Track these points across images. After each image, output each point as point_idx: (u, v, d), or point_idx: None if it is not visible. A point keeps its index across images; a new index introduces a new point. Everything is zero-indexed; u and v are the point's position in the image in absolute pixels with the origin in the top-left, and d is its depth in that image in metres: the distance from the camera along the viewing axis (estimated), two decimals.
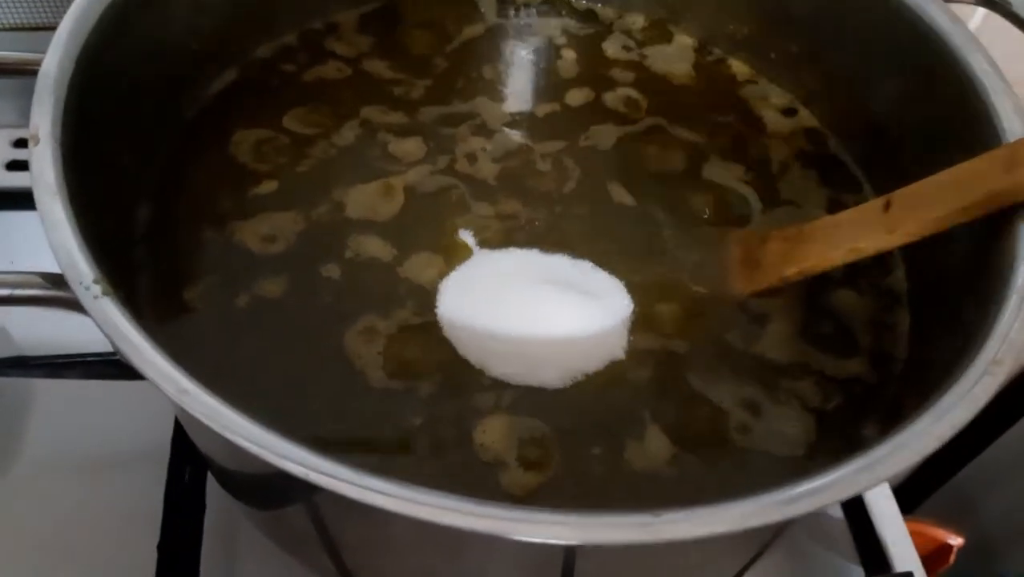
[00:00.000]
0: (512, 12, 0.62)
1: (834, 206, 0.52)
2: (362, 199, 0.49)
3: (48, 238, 0.33)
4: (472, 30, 0.60)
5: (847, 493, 0.30)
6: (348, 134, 0.52)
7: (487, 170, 0.51)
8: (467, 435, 0.41)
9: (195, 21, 0.50)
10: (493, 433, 0.41)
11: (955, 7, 0.48)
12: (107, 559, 0.49)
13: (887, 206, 0.43)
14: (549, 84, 0.58)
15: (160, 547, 0.48)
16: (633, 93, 0.58)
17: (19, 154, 0.68)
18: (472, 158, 0.52)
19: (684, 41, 0.62)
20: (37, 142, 0.36)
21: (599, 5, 0.63)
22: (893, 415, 0.41)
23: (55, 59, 0.39)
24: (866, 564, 0.53)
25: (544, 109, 0.56)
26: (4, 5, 0.63)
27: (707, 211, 0.51)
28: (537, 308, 0.45)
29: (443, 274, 0.46)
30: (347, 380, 0.42)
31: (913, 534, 0.57)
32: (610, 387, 0.43)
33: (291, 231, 0.48)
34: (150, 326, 0.34)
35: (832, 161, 0.55)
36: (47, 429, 0.54)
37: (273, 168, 0.50)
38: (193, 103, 0.52)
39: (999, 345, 0.34)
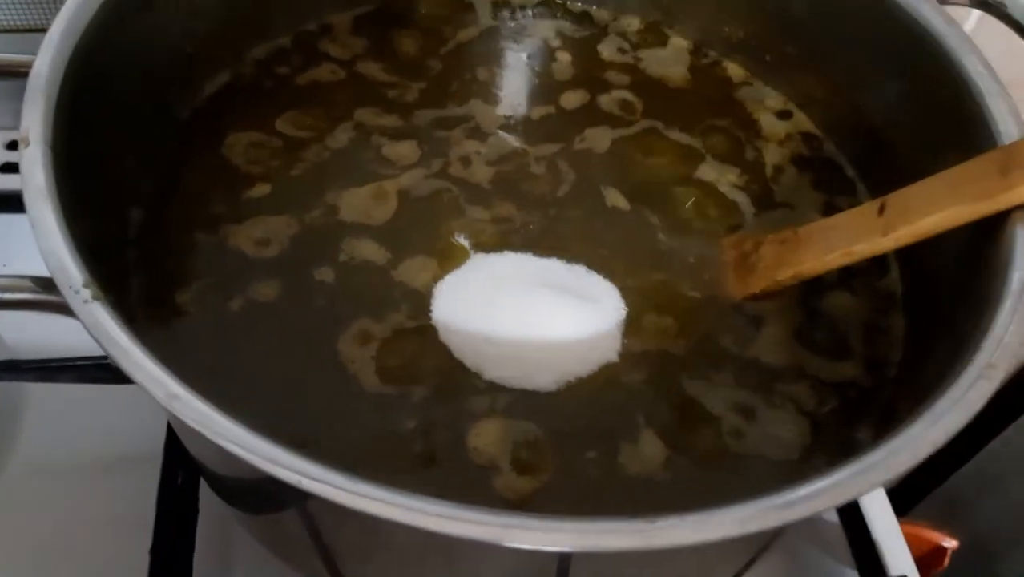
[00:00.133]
0: (507, 14, 0.62)
1: (829, 209, 0.52)
2: (356, 202, 0.49)
3: (37, 242, 0.33)
4: (467, 33, 0.60)
5: (843, 499, 0.30)
6: (342, 137, 0.52)
7: (481, 173, 0.51)
8: (460, 439, 0.40)
9: (188, 23, 0.50)
10: (487, 437, 0.40)
11: (950, 9, 0.48)
12: (100, 563, 0.49)
13: (882, 209, 0.43)
14: (544, 87, 0.58)
15: (153, 551, 0.47)
16: (628, 96, 0.57)
17: (13, 156, 0.68)
18: (466, 161, 0.52)
19: (679, 43, 0.62)
20: (28, 144, 0.36)
21: (594, 7, 0.63)
22: (888, 419, 0.41)
23: (47, 60, 0.39)
24: (861, 567, 0.53)
25: (539, 112, 0.56)
26: None
27: (701, 214, 0.51)
28: (531, 311, 0.45)
29: (437, 278, 0.46)
30: (340, 384, 0.42)
31: (908, 537, 0.57)
32: (604, 390, 0.43)
33: (284, 234, 0.47)
34: (142, 330, 0.34)
35: (827, 164, 0.55)
36: (40, 433, 0.54)
37: (266, 171, 0.50)
38: (186, 105, 0.52)
39: (994, 349, 0.34)
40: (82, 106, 0.40)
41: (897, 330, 0.47)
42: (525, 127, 0.55)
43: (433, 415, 0.41)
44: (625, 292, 0.46)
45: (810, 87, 0.58)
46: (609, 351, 0.44)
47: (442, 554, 0.35)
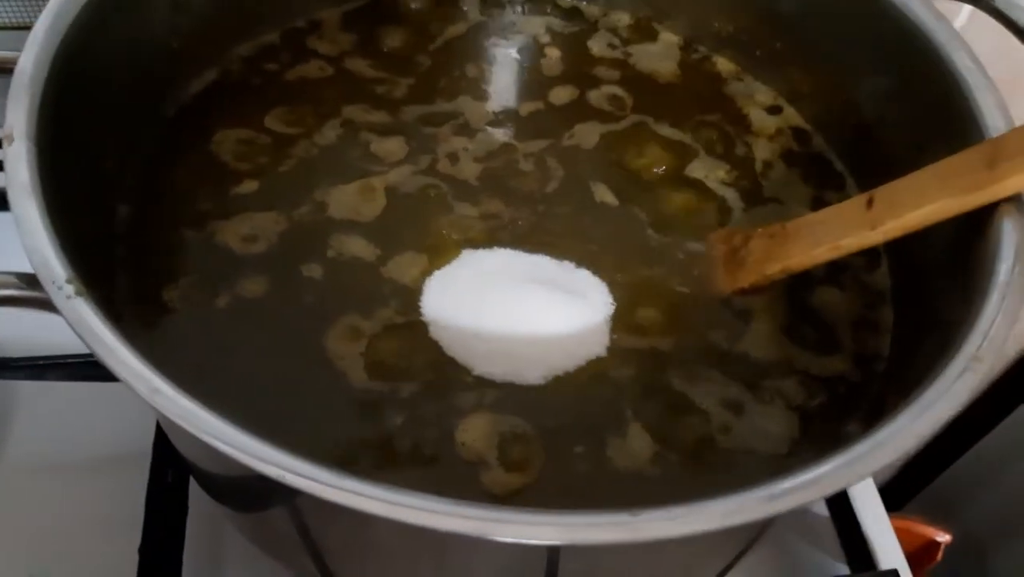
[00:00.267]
0: (496, 10, 0.61)
1: (818, 204, 0.52)
2: (344, 199, 0.49)
3: (21, 238, 0.33)
4: (455, 28, 0.60)
5: (827, 491, 0.30)
6: (330, 133, 0.52)
7: (469, 170, 0.51)
8: (448, 435, 0.40)
9: (175, 19, 0.50)
10: (475, 432, 0.40)
11: (939, 4, 0.48)
12: (89, 562, 0.49)
13: (870, 203, 0.43)
14: (533, 82, 0.57)
15: (141, 550, 0.47)
16: (618, 91, 0.57)
17: None
18: (454, 158, 0.52)
19: (669, 39, 0.61)
20: (11, 141, 0.36)
21: (584, 3, 0.63)
22: (877, 413, 0.41)
23: (31, 57, 0.39)
24: (851, 562, 0.53)
25: (528, 108, 0.56)
26: None
27: (690, 209, 0.51)
28: (520, 307, 0.45)
29: (426, 274, 0.46)
30: (328, 381, 0.42)
31: (901, 531, 0.57)
32: (592, 385, 0.43)
33: (272, 231, 0.47)
34: (128, 327, 0.34)
35: (817, 158, 0.55)
36: (28, 432, 0.54)
37: (254, 168, 0.50)
38: (174, 102, 0.52)
39: (980, 341, 0.34)
40: (67, 103, 0.39)
41: (886, 324, 0.47)
42: (513, 123, 0.54)
43: (421, 411, 0.41)
44: (614, 287, 0.46)
45: (800, 82, 0.57)
46: (597, 346, 0.44)
47: (430, 549, 0.35)
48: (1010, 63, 0.49)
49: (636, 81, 0.58)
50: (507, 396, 0.42)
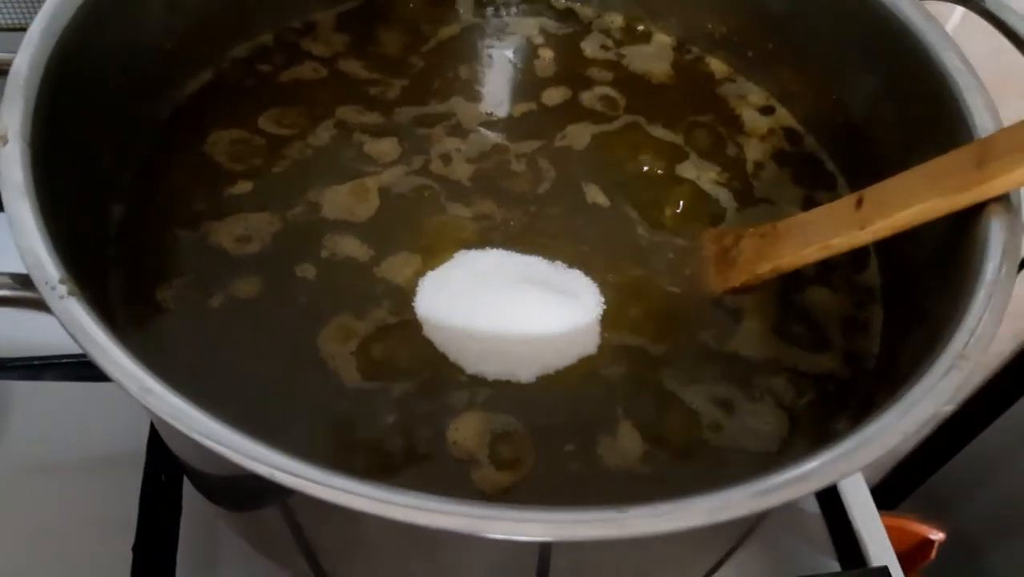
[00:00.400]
0: (490, 11, 0.62)
1: (809, 204, 0.53)
2: (338, 199, 0.49)
3: (15, 239, 0.33)
4: (449, 30, 0.60)
5: (813, 487, 0.30)
6: (323, 135, 0.52)
7: (461, 171, 0.51)
8: (440, 433, 0.41)
9: (170, 21, 0.50)
10: (466, 430, 0.41)
11: (930, 6, 0.48)
12: (83, 561, 0.49)
13: (859, 203, 0.43)
14: (526, 83, 0.58)
15: (135, 549, 0.47)
16: (611, 92, 0.58)
17: None
18: (447, 159, 0.52)
19: (663, 40, 0.62)
20: (6, 142, 0.36)
21: (578, 4, 0.63)
22: (866, 410, 0.41)
23: (26, 58, 0.39)
24: (842, 559, 0.53)
25: (520, 109, 0.56)
26: None
27: (682, 210, 0.51)
28: (513, 306, 0.45)
29: (419, 274, 0.46)
30: (321, 380, 0.42)
31: (895, 529, 0.57)
32: (583, 384, 0.43)
33: (266, 231, 0.47)
34: (122, 327, 0.34)
35: (808, 159, 0.56)
36: (23, 432, 0.54)
37: (248, 168, 0.50)
38: (168, 103, 0.52)
39: (966, 339, 0.34)
40: (62, 104, 0.40)
41: (875, 323, 0.47)
42: (506, 124, 0.55)
43: (413, 410, 0.41)
44: (605, 287, 0.46)
45: (792, 82, 0.58)
46: (588, 345, 0.44)
47: (421, 547, 0.35)
48: (1000, 65, 0.49)
49: (629, 82, 0.58)
50: (499, 395, 0.42)
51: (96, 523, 0.50)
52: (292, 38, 0.57)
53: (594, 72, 0.59)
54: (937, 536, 0.73)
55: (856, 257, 0.49)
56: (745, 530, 0.41)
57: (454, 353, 0.44)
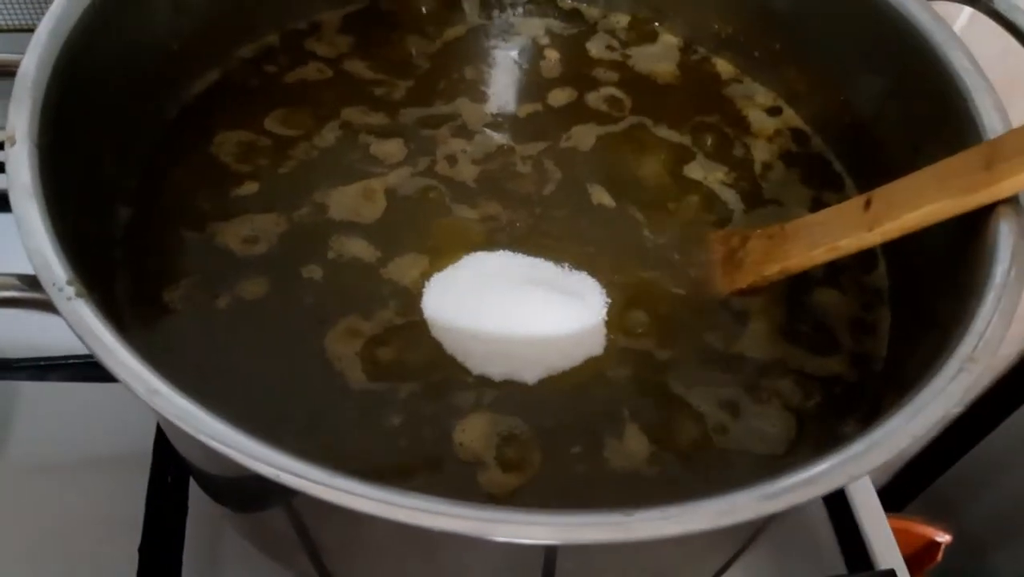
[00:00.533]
0: (496, 12, 0.62)
1: (817, 205, 0.52)
2: (344, 200, 0.49)
3: (22, 240, 0.33)
4: (454, 31, 0.60)
5: (820, 491, 0.30)
6: (329, 136, 0.52)
7: (467, 172, 0.51)
8: (446, 435, 0.41)
9: (176, 22, 0.50)
10: (473, 432, 0.41)
11: (940, 6, 0.48)
12: (89, 562, 0.49)
13: (867, 204, 0.43)
14: (531, 84, 0.58)
15: (141, 550, 0.47)
16: (617, 93, 0.57)
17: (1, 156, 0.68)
18: (452, 160, 0.52)
19: (669, 40, 0.62)
20: (13, 143, 0.36)
21: (584, 4, 0.63)
22: (874, 413, 0.41)
23: (34, 60, 0.39)
24: (849, 562, 0.53)
25: (526, 110, 0.56)
26: None
27: (688, 211, 0.51)
28: (519, 308, 0.45)
29: (426, 275, 0.46)
30: (328, 381, 0.42)
31: (901, 532, 0.57)
32: (589, 386, 0.43)
33: (273, 232, 0.47)
34: (129, 328, 0.34)
35: (816, 159, 0.55)
36: (30, 431, 0.54)
37: (255, 169, 0.50)
38: (175, 104, 0.52)
39: (975, 342, 0.34)
40: (69, 105, 0.40)
41: (883, 324, 0.47)
42: (512, 125, 0.55)
43: (419, 411, 0.41)
44: (611, 289, 0.46)
45: (799, 83, 0.58)
46: (595, 346, 0.44)
47: (426, 549, 0.35)
48: (1008, 65, 0.49)
49: (635, 83, 0.58)
50: (505, 396, 0.42)
51: (102, 524, 0.50)
52: (298, 39, 0.57)
53: (600, 73, 0.59)
54: (943, 538, 0.73)
55: (864, 259, 0.49)
56: (752, 533, 0.41)
57: (460, 354, 0.44)
